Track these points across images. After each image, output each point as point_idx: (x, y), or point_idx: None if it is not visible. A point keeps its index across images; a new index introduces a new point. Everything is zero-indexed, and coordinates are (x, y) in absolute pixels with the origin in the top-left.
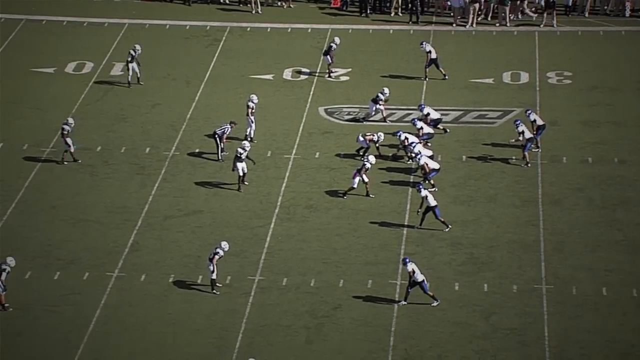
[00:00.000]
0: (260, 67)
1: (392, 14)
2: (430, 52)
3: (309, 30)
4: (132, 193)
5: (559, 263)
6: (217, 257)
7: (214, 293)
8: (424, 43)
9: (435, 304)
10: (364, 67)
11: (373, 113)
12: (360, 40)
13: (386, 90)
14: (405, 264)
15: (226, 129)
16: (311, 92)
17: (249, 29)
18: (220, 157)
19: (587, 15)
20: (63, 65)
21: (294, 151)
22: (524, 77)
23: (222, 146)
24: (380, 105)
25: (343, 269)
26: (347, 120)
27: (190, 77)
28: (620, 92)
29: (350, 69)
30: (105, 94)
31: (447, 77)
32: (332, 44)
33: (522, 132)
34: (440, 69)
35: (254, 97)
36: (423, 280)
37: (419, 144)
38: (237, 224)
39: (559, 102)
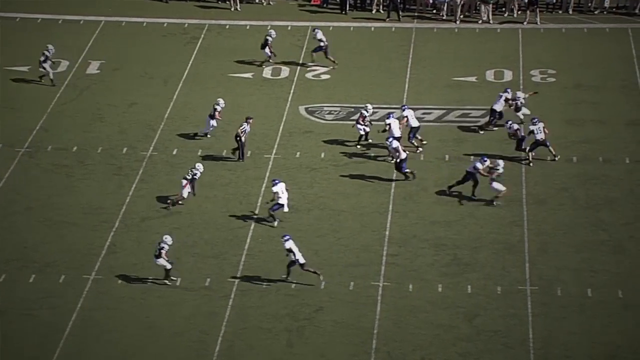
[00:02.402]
0: (240, 66)
1: (374, 11)
2: (321, 40)
3: (289, 28)
4: (109, 194)
5: (543, 264)
6: (164, 252)
7: (166, 284)
8: (316, 30)
9: (321, 277)
10: (345, 65)
11: (362, 132)
12: (341, 38)
13: (369, 106)
14: (284, 241)
15: (245, 127)
16: (291, 91)
17: (227, 26)
18: (242, 159)
19: (571, 12)
20: (38, 63)
21: (274, 151)
22: (508, 75)
23: (243, 147)
24: (361, 124)
25: (324, 270)
26: (329, 120)
27: (168, 75)
28: (605, 90)
29: (331, 67)
30: (81, 92)
31: (336, 65)
32: (267, 37)
33: (517, 130)
34: (329, 57)
35: (221, 101)
36: (298, 260)
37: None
38: (216, 225)
39: (542, 100)
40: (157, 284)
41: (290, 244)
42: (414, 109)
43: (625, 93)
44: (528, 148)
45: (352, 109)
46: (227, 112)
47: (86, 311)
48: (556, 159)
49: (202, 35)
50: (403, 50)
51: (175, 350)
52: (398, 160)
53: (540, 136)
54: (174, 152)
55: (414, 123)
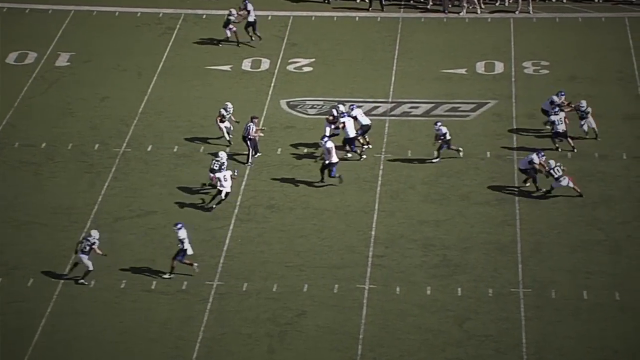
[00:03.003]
0: (218, 58)
1: (358, 0)
2: (249, 11)
3: (269, 18)
4: (80, 193)
5: (536, 265)
6: (96, 247)
7: (83, 283)
8: (246, 1)
9: (196, 268)
10: (328, 57)
11: (329, 132)
12: (324, 29)
13: (341, 107)
14: (177, 229)
15: (250, 127)
16: (272, 84)
17: (204, 16)
18: (249, 161)
19: (565, 0)
20: (4, 55)
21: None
22: (499, 67)
23: (252, 149)
24: (332, 125)
25: (307, 272)
26: (311, 114)
27: (142, 68)
28: (601, 82)
29: (313, 59)
30: (50, 86)
31: (259, 39)
32: (229, 17)
33: (445, 134)
34: (257, 32)
35: (229, 105)
36: (186, 250)
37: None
38: (193, 225)
39: (535, 93)
40: (134, 288)
41: (183, 234)
42: (401, 103)
43: (622, 86)
44: (555, 141)
45: (336, 103)
46: (203, 106)
47: (56, 316)
48: (575, 150)
49: (178, 26)
50: (389, 41)
51: (151, 357)
52: (327, 162)
53: (562, 127)
54: (149, 149)
55: (365, 121)
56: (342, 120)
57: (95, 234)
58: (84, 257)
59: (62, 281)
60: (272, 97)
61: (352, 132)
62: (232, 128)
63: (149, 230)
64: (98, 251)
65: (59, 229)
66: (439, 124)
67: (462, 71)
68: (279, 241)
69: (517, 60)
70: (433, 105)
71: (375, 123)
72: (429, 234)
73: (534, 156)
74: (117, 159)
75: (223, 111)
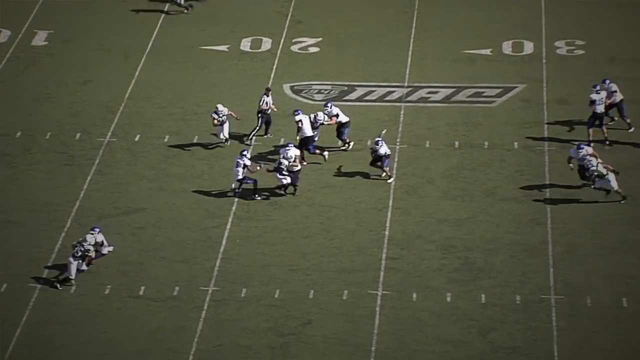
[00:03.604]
0: (213, 37)
1: None
2: None
3: None
4: (59, 188)
5: (570, 269)
6: (92, 254)
7: (57, 287)
8: None
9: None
10: (337, 36)
11: (317, 138)
12: (333, 4)
13: (330, 106)
14: (97, 233)
15: (262, 100)
16: (274, 67)
17: None
18: (250, 137)
19: None
20: None
21: (253, 137)
22: (528, 48)
23: (259, 126)
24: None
25: (313, 277)
26: (318, 100)
27: (128, 48)
28: None
29: (320, 39)
30: (26, 68)
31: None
32: None
33: (378, 148)
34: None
35: (220, 107)
36: (104, 254)
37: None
38: (186, 224)
39: (569, 76)
40: (119, 294)
41: (102, 237)
42: (418, 87)
43: None
44: (590, 125)
45: (346, 87)
46: (197, 91)
47: (33, 326)
48: (607, 142)
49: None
50: (405, 18)
51: None
52: (303, 137)
53: (600, 108)
54: (136, 139)
55: (345, 119)
56: (296, 118)
57: (91, 239)
58: (72, 262)
59: (40, 286)
60: (275, 81)
61: (309, 131)
62: (238, 118)
63: (136, 230)
64: (92, 259)
65: (36, 228)
66: (378, 139)
67: (487, 52)
68: (281, 242)
69: (549, 40)
70: (454, 90)
71: (390, 110)
72: (449, 234)
73: (572, 151)
74: (100, 150)
75: (215, 115)
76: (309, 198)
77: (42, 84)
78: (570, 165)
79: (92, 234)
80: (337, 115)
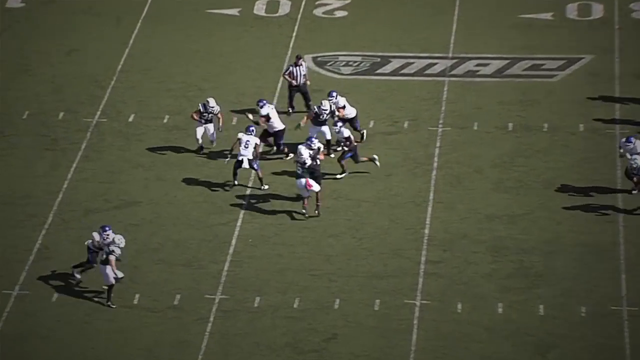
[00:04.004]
0: None
1: None
2: None
3: None
4: (39, 177)
5: None
6: (113, 258)
7: (110, 306)
8: None
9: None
10: (368, 0)
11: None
12: None
13: (325, 103)
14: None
15: (297, 70)
16: (294, 34)
17: None
18: (290, 110)
19: None
20: None
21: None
22: (597, 11)
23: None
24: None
25: (339, 283)
26: (346, 74)
27: (121, 12)
28: None
29: (348, 1)
30: None
31: None
32: None
33: (347, 137)
34: None
35: (211, 102)
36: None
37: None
38: (189, 220)
39: None
40: (107, 305)
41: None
42: (465, 59)
43: None
44: None
45: (378, 59)
46: (202, 62)
47: (7, 340)
48: None
49: None
50: None
51: None
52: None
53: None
54: (130, 119)
55: (279, 125)
56: (263, 112)
57: (121, 241)
58: (105, 269)
59: (15, 293)
60: (294, 52)
61: (278, 124)
62: (220, 129)
63: (130, 227)
64: (112, 264)
65: (10, 224)
66: (339, 124)
67: (547, 16)
68: (302, 242)
69: (622, 1)
70: (507, 61)
71: (431, 86)
72: (500, 233)
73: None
74: (88, 133)
75: (201, 108)
76: (334, 190)
77: (18, 53)
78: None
79: (106, 232)
80: (343, 107)
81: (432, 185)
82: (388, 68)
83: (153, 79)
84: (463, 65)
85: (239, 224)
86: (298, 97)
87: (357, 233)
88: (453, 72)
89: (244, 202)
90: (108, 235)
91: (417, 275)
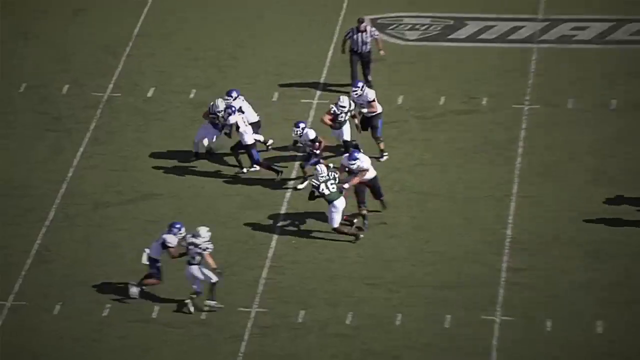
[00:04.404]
0: None
1: None
2: None
3: None
4: (38, 163)
5: None
6: (208, 252)
7: (214, 306)
8: None
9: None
10: None
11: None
12: None
13: (343, 99)
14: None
15: (367, 35)
16: None
17: None
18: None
19: None
20: None
21: (317, 96)
22: None
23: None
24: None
25: (401, 295)
26: (411, 40)
27: None
28: None
29: None
30: None
31: None
32: None
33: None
34: None
35: (219, 103)
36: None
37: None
38: (219, 217)
39: None
40: (123, 317)
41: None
42: (558, 21)
43: None
44: None
45: (451, 22)
46: (236, 26)
47: (2, 358)
48: None
49: None
50: None
51: None
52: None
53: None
54: (149, 94)
55: (254, 117)
56: (231, 119)
57: (205, 232)
58: (194, 270)
59: (9, 304)
60: (348, 12)
61: (249, 138)
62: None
63: (147, 225)
64: (209, 260)
65: (5, 220)
66: (302, 125)
67: None
68: (356, 244)
69: None
70: (611, 24)
71: (516, 54)
72: (600, 235)
73: None
74: (98, 110)
75: (220, 103)
76: (395, 181)
77: (14, 14)
78: None
79: (181, 230)
80: (373, 101)
81: (516, 175)
82: (463, 33)
83: (177, 46)
84: (556, 29)
85: (279, 223)
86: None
87: (422, 233)
88: (543, 38)
89: (286, 196)
90: (181, 231)
91: (497, 285)
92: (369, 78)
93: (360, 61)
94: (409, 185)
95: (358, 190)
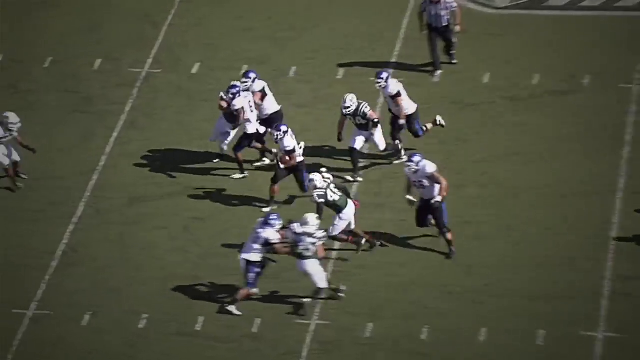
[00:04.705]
0: None
1: None
2: None
3: None
4: (65, 151)
5: None
6: (322, 243)
7: (340, 294)
8: None
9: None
10: None
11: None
12: None
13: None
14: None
15: (424, 5)
16: None
17: None
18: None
19: None
20: None
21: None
22: None
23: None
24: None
25: (487, 306)
26: (500, 8)
27: None
28: None
29: None
30: None
31: None
32: None
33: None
34: None
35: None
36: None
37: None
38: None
39: None
40: (162, 329)
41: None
42: None
43: None
44: None
45: None
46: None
47: None
48: None
49: None
50: None
51: None
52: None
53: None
54: (194, 70)
55: (275, 106)
56: (236, 102)
57: (314, 220)
58: (309, 265)
59: (31, 315)
60: None
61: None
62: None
63: (190, 222)
64: (322, 251)
65: (26, 218)
66: (282, 128)
67: None
68: (433, 245)
69: None
70: None
71: (624, 24)
72: None
73: None
74: (135, 89)
75: (222, 94)
76: (479, 173)
77: None
78: None
79: (275, 221)
80: (398, 95)
81: (624, 167)
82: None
83: (226, 14)
84: None
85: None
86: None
87: (513, 235)
88: None
89: (351, 190)
90: (279, 223)
91: (600, 296)
92: (452, 55)
93: (440, 37)
94: (496, 179)
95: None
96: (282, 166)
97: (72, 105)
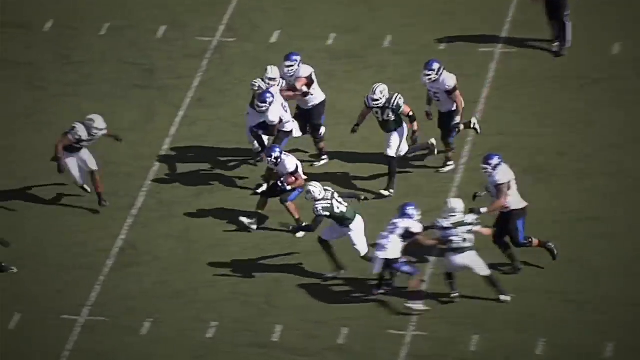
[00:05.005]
0: None
1: None
2: None
3: None
4: (124, 131)
5: None
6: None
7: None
8: None
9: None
10: None
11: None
12: None
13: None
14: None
15: None
16: None
17: None
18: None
19: None
20: None
21: (499, 46)
22: None
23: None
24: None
25: (612, 317)
26: None
27: None
28: None
29: None
30: None
31: None
32: None
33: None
34: None
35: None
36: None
37: None
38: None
39: None
40: (233, 339)
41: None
42: None
43: None
44: None
45: None
46: None
47: None
48: None
49: None
50: None
51: None
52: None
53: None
54: (273, 39)
55: (321, 96)
56: (270, 115)
57: (460, 205)
58: (466, 258)
59: (83, 320)
60: None
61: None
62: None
63: (268, 215)
64: (484, 231)
65: (77, 211)
66: (277, 150)
67: None
68: (554, 236)
69: None
70: None
71: None
72: None
73: None
74: (204, 60)
75: (260, 83)
76: (608, 161)
77: None
78: None
79: (414, 210)
80: (455, 90)
81: None
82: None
83: None
84: None
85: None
86: None
87: (571, 233)
88: None
89: (453, 186)
90: (418, 213)
91: None
92: (566, 23)
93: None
94: (628, 168)
95: None
96: (288, 188)
97: (131, 79)
